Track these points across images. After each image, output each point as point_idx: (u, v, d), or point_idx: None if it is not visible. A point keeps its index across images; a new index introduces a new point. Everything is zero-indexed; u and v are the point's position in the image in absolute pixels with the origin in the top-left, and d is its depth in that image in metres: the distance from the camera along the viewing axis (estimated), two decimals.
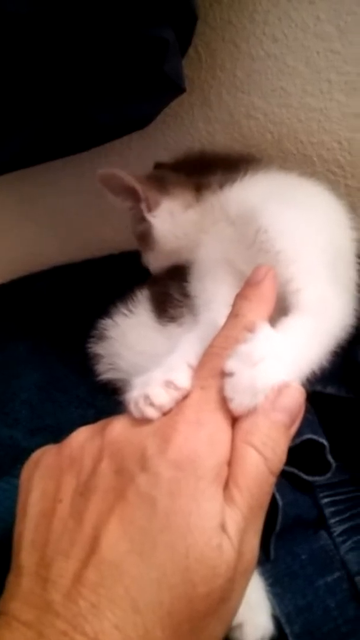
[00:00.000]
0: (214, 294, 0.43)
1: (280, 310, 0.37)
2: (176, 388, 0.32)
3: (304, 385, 0.33)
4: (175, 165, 0.54)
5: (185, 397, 0.31)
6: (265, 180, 0.46)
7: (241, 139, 0.59)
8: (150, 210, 0.49)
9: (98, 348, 0.50)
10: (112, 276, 0.64)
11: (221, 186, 0.47)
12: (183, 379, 0.32)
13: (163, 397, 0.31)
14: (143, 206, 0.49)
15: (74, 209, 0.69)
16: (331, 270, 0.40)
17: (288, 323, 0.36)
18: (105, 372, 0.50)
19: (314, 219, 0.43)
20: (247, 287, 0.35)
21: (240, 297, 0.35)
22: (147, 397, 0.31)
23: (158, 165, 0.56)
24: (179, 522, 0.26)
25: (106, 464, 0.29)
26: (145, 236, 0.51)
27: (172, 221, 0.49)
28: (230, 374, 0.31)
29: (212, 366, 0.32)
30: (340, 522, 0.43)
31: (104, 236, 0.68)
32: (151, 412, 0.31)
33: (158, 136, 0.62)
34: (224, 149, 0.59)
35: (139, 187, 0.48)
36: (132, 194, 0.50)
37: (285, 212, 0.42)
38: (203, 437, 0.29)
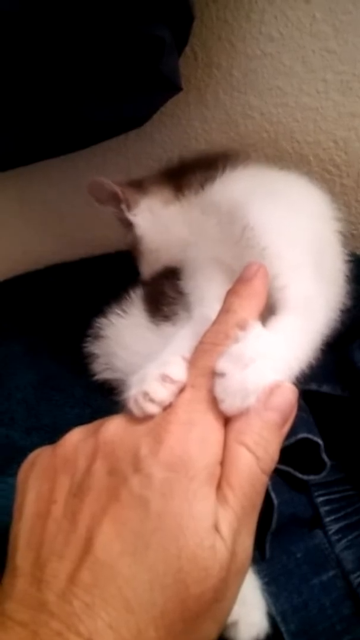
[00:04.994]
0: (205, 290, 0.43)
1: (267, 305, 0.37)
2: (172, 381, 0.31)
3: (295, 383, 0.33)
4: (154, 175, 0.54)
5: (179, 393, 0.31)
6: (246, 175, 0.47)
7: (237, 138, 0.60)
8: (130, 209, 0.50)
9: (94, 347, 0.50)
10: (107, 275, 0.63)
11: (202, 185, 0.47)
12: (178, 371, 0.32)
13: (161, 392, 0.31)
14: (123, 207, 0.50)
15: (69, 207, 0.69)
16: (316, 265, 0.40)
17: (277, 322, 0.36)
18: (101, 371, 0.50)
19: (298, 213, 0.43)
20: (238, 284, 0.35)
21: (231, 293, 0.35)
22: (146, 394, 0.31)
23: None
24: (171, 524, 0.26)
25: (99, 465, 0.29)
26: (134, 243, 0.51)
27: (152, 218, 0.50)
28: (221, 375, 0.31)
29: (202, 364, 0.32)
30: (335, 520, 0.43)
31: (99, 235, 0.68)
32: (152, 408, 0.31)
33: (154, 135, 0.62)
34: (219, 148, 0.59)
35: (117, 189, 0.50)
36: (115, 199, 0.51)
37: (270, 208, 0.42)
38: (195, 438, 0.29)
